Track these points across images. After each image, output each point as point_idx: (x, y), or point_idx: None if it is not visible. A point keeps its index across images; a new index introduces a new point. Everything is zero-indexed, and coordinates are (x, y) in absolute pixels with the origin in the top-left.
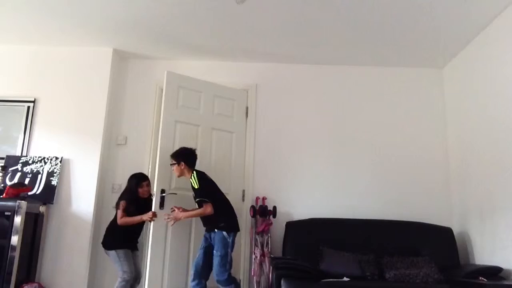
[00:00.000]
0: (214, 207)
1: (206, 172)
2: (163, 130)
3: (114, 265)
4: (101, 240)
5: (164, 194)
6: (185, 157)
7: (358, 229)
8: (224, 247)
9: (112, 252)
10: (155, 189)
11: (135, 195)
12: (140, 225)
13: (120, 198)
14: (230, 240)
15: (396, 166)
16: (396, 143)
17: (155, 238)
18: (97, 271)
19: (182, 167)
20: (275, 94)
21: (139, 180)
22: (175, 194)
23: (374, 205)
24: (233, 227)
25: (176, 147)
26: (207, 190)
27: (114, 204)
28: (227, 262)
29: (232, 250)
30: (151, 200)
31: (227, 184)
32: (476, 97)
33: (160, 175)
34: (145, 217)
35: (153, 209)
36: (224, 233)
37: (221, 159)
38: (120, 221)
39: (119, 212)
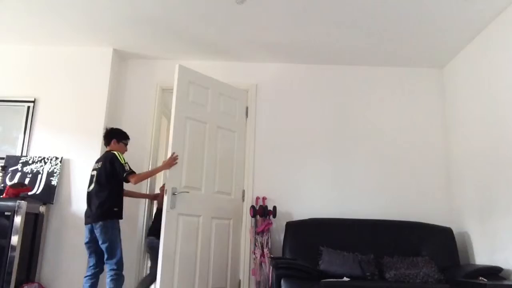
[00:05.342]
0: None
1: (211, 170)
2: (175, 126)
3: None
4: None
5: (176, 193)
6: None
7: (358, 229)
8: None
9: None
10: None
11: None
12: None
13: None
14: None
15: (396, 166)
16: (396, 143)
17: (167, 241)
18: None
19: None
20: (275, 94)
21: None
22: (187, 192)
23: (374, 205)
24: None
25: (187, 145)
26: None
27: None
28: None
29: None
30: None
31: (229, 183)
32: (476, 97)
33: (171, 174)
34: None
35: (164, 209)
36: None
37: (225, 158)
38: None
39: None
